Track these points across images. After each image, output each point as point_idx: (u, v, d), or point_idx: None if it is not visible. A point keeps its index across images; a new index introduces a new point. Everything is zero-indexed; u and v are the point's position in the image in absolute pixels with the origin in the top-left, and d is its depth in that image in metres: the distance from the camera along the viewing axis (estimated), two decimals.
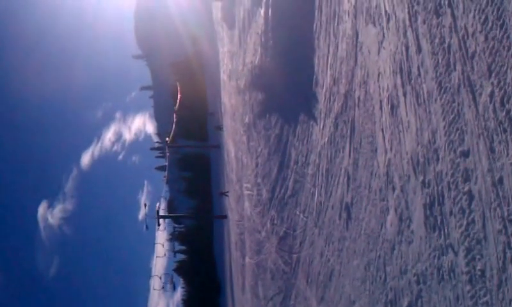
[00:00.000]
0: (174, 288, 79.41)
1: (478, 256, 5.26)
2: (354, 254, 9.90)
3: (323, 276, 12.31)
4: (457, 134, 5.81)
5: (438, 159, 6.30)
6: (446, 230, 6.01)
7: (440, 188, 6.22)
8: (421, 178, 6.78)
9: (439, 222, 6.21)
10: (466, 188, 5.57)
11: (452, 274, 5.82)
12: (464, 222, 5.55)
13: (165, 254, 78.75)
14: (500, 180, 4.94)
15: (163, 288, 75.24)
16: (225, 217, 54.03)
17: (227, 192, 51.22)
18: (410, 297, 7.07)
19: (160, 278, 74.20)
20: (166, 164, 79.15)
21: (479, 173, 5.32)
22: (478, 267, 5.25)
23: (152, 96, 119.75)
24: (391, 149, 8.02)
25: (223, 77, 49.11)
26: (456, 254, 5.73)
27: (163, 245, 75.67)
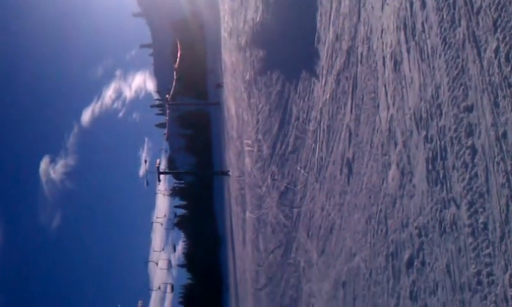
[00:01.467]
0: (174, 249, 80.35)
1: (480, 210, 5.35)
2: (355, 208, 10.03)
3: (324, 230, 12.48)
4: (461, 89, 5.84)
5: (441, 114, 6.34)
6: (448, 184, 6.10)
7: (442, 143, 6.28)
8: (424, 133, 6.83)
9: (441, 176, 6.29)
10: (469, 143, 5.63)
11: (454, 227, 5.93)
12: (467, 176, 5.62)
13: (165, 227, 79.41)
14: (504, 134, 4.99)
15: (163, 249, 76.13)
16: (227, 173, 54.22)
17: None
18: (411, 249, 7.21)
19: (159, 254, 74.90)
20: (166, 121, 79.08)
21: (483, 128, 5.37)
22: (480, 220, 5.35)
23: (152, 54, 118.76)
24: (393, 105, 8.06)
25: (224, 34, 48.69)
26: (458, 207, 5.83)
27: (162, 224, 76.23)
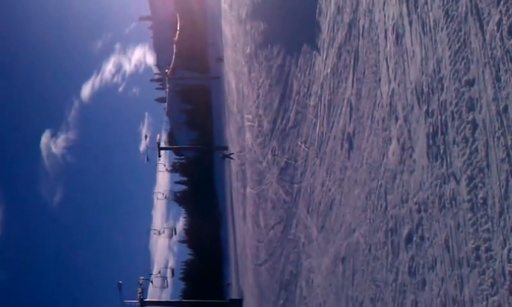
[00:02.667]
0: (174, 232, 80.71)
1: (480, 185, 5.31)
2: (356, 184, 10.00)
3: (324, 205, 12.48)
4: (462, 63, 5.76)
5: (442, 88, 6.28)
6: (448, 159, 6.05)
7: (443, 117, 6.23)
8: (425, 108, 6.77)
9: (441, 151, 6.25)
10: (470, 118, 5.57)
11: (453, 202, 5.90)
12: (467, 151, 5.58)
13: (165, 197, 79.60)
14: (505, 109, 4.93)
15: (163, 232, 76.41)
16: (226, 148, 54.17)
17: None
18: (411, 225, 7.19)
19: (159, 232, 75.14)
20: (166, 95, 78.92)
21: (484, 102, 5.31)
22: (480, 195, 5.31)
23: (151, 27, 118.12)
24: (395, 79, 7.99)
25: (224, 6, 48.38)
26: (458, 182, 5.79)
27: (163, 194, 76.37)
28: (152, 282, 53.74)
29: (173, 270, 63.56)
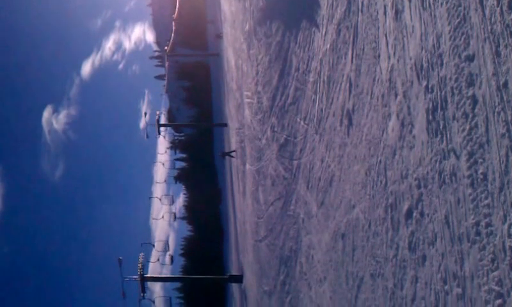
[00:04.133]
0: (173, 201, 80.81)
1: (480, 160, 5.31)
2: (355, 160, 10.00)
3: (323, 182, 12.49)
4: (462, 38, 5.73)
5: (442, 64, 6.24)
6: (448, 135, 6.04)
7: (443, 93, 6.20)
8: (424, 83, 6.75)
9: (441, 126, 6.23)
10: (470, 93, 5.55)
11: (453, 178, 5.90)
12: (467, 127, 5.56)
13: (165, 181, 79.70)
14: (505, 84, 4.91)
15: (161, 199, 76.57)
16: (225, 125, 54.07)
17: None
18: (411, 200, 7.20)
19: (160, 199, 75.34)
20: (166, 72, 78.64)
21: (484, 77, 5.28)
22: (480, 171, 5.31)
23: (151, 4, 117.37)
24: (394, 54, 7.94)
25: None
26: (457, 158, 5.79)
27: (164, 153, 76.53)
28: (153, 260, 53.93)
29: (171, 258, 63.72)
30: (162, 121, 68.91)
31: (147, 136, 69.22)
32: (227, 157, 48.50)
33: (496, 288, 5.01)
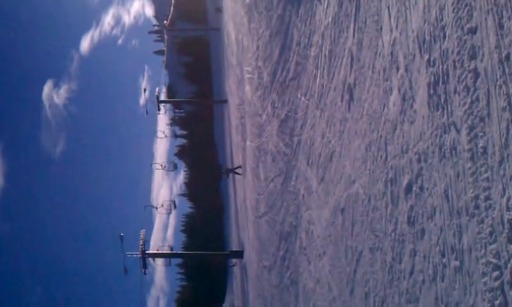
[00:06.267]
0: (175, 167, 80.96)
1: (481, 134, 5.30)
2: (356, 135, 9.99)
3: (324, 157, 12.49)
4: (465, 11, 5.68)
5: (444, 37, 6.20)
6: (449, 108, 6.02)
7: (445, 66, 6.17)
8: (426, 57, 6.71)
9: (442, 100, 6.21)
10: (471, 66, 5.52)
11: (453, 152, 5.89)
12: (468, 100, 5.54)
13: (165, 135, 79.71)
14: (507, 57, 4.88)
15: (164, 167, 76.80)
16: (226, 101, 53.94)
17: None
18: (411, 175, 7.20)
19: (162, 166, 75.64)
20: (165, 47, 78.20)
21: (486, 50, 5.25)
22: (480, 145, 5.30)
23: None
24: (396, 27, 7.88)
25: None
26: (458, 132, 5.77)
27: (164, 132, 76.51)
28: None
29: (174, 203, 64.05)
30: (162, 97, 68.79)
31: (147, 112, 69.20)
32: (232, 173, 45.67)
33: (494, 260, 5.03)
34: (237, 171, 40.04)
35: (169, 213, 64.22)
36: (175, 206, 65.09)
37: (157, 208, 62.66)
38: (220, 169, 77.99)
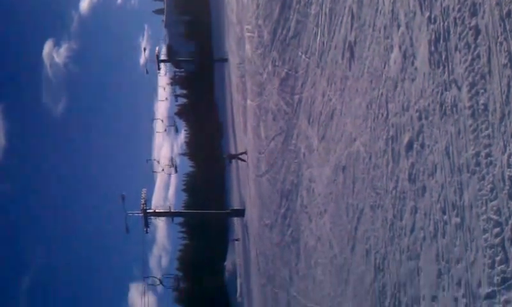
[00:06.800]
0: (176, 130, 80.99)
1: (481, 91, 5.30)
2: (356, 93, 9.97)
3: (325, 116, 12.48)
4: None
5: None
6: (450, 66, 6.01)
7: (445, 24, 6.12)
8: (427, 14, 6.65)
9: (443, 58, 6.19)
10: (472, 23, 5.48)
11: (454, 109, 5.90)
12: (469, 58, 5.53)
13: (166, 98, 79.64)
14: (508, 14, 4.85)
15: (165, 130, 76.87)
16: (226, 60, 53.59)
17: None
18: (411, 132, 7.22)
19: (163, 121, 75.69)
20: (164, 6, 77.35)
21: (487, 7, 5.21)
22: (481, 101, 5.30)
23: None
24: None
25: None
26: (459, 89, 5.77)
27: (164, 89, 76.36)
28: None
29: (175, 166, 64.37)
30: (162, 56, 68.37)
31: (147, 72, 68.95)
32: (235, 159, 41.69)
33: (495, 217, 5.08)
34: (241, 157, 36.58)
35: (170, 174, 64.65)
36: (176, 170, 65.36)
37: (158, 162, 63.05)
38: (221, 128, 77.96)
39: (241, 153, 36.44)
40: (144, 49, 67.66)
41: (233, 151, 44.78)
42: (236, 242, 54.65)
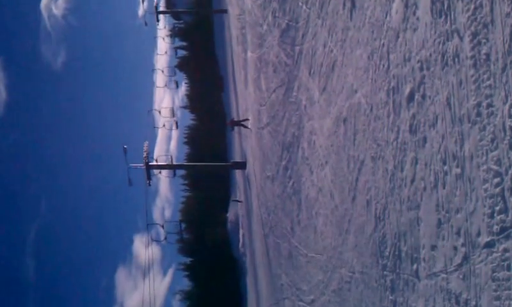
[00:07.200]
0: (177, 86, 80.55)
1: (484, 40, 5.25)
2: (358, 44, 9.88)
3: (325, 67, 12.41)
4: None
5: None
6: (452, 15, 5.93)
7: None
8: None
9: (445, 7, 6.11)
10: None
11: (456, 59, 5.86)
12: (472, 7, 5.46)
13: (166, 52, 79.00)
14: None
15: (166, 85, 76.48)
16: (225, 11, 52.99)
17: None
18: (413, 83, 7.18)
19: (163, 71, 75.27)
20: None
21: None
22: (483, 51, 5.26)
23: None
24: None
25: None
26: (461, 39, 5.72)
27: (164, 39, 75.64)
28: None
29: (176, 123, 64.36)
30: (161, 8, 67.58)
31: (146, 23, 68.22)
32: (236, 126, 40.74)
33: (495, 167, 5.10)
34: (244, 123, 35.56)
35: (171, 130, 64.60)
36: (177, 126, 65.28)
37: (160, 112, 62.96)
38: (222, 81, 77.57)
39: (244, 120, 35.80)
40: (143, 0, 66.77)
41: (235, 117, 44.09)
42: (239, 203, 54.89)
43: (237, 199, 54.28)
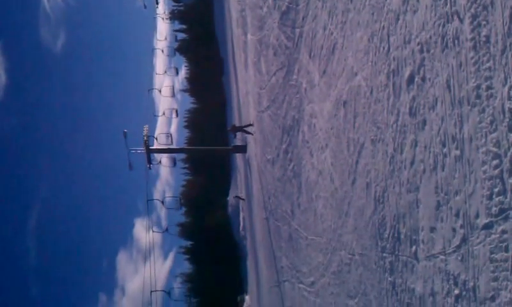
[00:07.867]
0: (177, 72, 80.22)
1: (484, 23, 5.24)
2: (358, 26, 9.86)
3: (326, 50, 12.38)
4: None
5: None
6: None
7: None
8: None
9: None
10: None
11: (456, 42, 5.86)
12: None
13: (166, 38, 78.70)
14: None
15: (166, 72, 76.23)
16: None
17: None
18: (413, 66, 7.18)
19: (163, 51, 74.99)
20: None
21: None
22: (483, 33, 5.26)
23: None
24: None
25: None
26: (461, 21, 5.71)
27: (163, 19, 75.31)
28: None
29: (176, 111, 64.31)
30: None
31: (145, 6, 67.90)
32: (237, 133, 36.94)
33: (494, 149, 5.12)
34: (247, 129, 31.75)
35: (171, 117, 64.51)
36: (177, 114, 65.14)
37: (160, 91, 62.90)
38: (222, 64, 77.33)
39: (247, 126, 31.92)
40: None
41: (237, 123, 42.22)
42: (241, 200, 54.78)
43: (240, 195, 54.01)
